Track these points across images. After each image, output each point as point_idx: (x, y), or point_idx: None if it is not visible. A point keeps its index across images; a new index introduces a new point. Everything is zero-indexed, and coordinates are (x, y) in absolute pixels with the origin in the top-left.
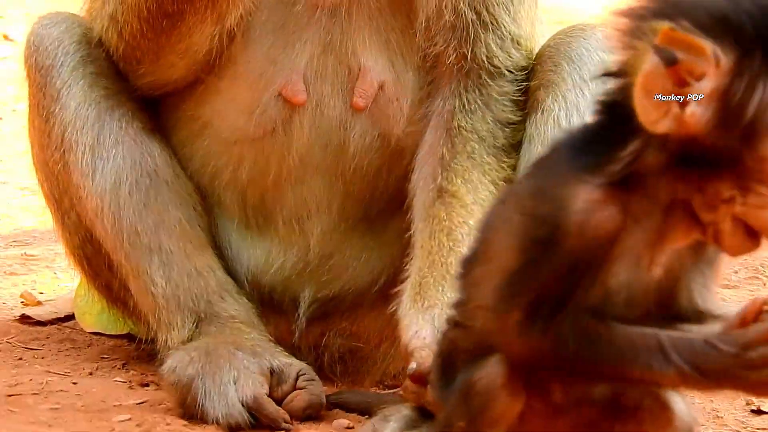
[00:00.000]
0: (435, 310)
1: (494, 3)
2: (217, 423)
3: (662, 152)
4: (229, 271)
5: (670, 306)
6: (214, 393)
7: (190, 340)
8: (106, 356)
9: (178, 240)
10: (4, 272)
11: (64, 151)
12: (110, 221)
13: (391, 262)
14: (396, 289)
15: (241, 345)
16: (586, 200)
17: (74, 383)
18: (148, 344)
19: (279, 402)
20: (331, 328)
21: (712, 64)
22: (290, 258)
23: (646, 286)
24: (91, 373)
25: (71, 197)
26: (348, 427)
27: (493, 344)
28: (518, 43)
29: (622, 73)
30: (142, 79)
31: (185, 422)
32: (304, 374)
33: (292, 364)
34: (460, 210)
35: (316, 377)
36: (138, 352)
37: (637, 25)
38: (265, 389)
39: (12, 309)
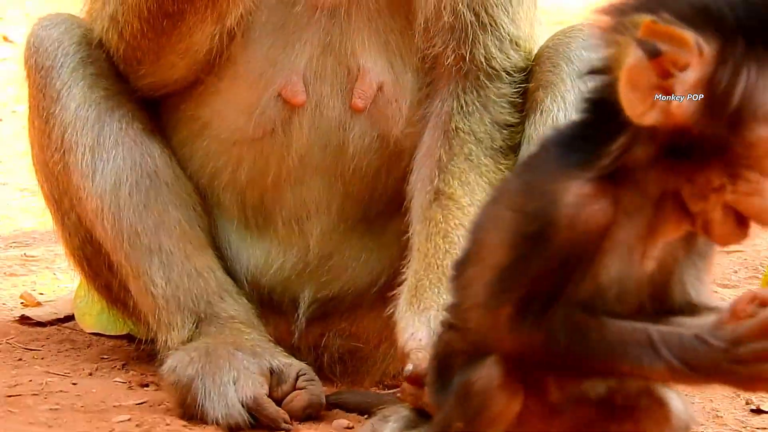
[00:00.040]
0: (431, 312)
1: (493, 4)
2: (217, 423)
3: (651, 145)
4: (229, 271)
5: (663, 300)
6: (214, 393)
7: (189, 340)
8: (105, 357)
9: (178, 240)
10: (4, 273)
11: (64, 152)
12: (110, 222)
13: (391, 262)
14: (394, 292)
15: (241, 345)
16: (576, 194)
17: (74, 384)
18: (148, 345)
19: (279, 402)
20: (331, 329)
21: (695, 54)
22: (290, 258)
23: (638, 280)
24: (90, 374)
25: (71, 198)
26: (347, 427)
27: (485, 341)
28: (517, 45)
29: (606, 69)
30: (143, 79)
31: (185, 423)
32: (304, 374)
33: (291, 365)
34: (457, 212)
35: (316, 377)
36: (138, 352)
37: (618, 21)
38: (265, 389)
39: (12, 310)
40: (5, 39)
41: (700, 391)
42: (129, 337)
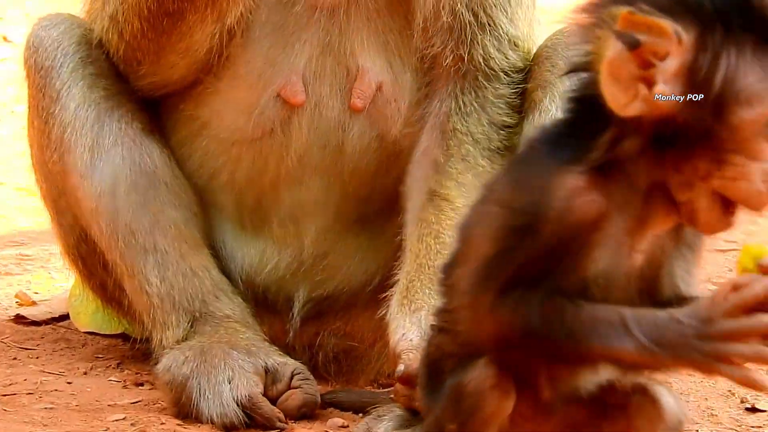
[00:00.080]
0: (422, 313)
1: (491, 4)
2: (212, 422)
3: (637, 136)
4: (224, 270)
5: (653, 293)
6: (209, 392)
7: (184, 339)
8: (100, 356)
9: (173, 240)
10: None
11: (63, 151)
12: (106, 221)
13: (386, 262)
14: (387, 293)
15: (236, 344)
16: (569, 188)
17: (69, 383)
18: (143, 344)
19: (274, 401)
20: (326, 328)
21: (674, 42)
22: (285, 258)
23: (628, 273)
24: (85, 373)
25: (68, 197)
26: (342, 426)
27: (475, 342)
28: (515, 45)
29: (588, 65)
30: (143, 79)
31: (180, 421)
32: (299, 373)
33: (286, 364)
34: (450, 213)
35: (311, 376)
36: (133, 351)
37: (596, 16)
38: (260, 388)
39: (7, 309)
40: (5, 39)
41: (695, 390)
42: (124, 336)
